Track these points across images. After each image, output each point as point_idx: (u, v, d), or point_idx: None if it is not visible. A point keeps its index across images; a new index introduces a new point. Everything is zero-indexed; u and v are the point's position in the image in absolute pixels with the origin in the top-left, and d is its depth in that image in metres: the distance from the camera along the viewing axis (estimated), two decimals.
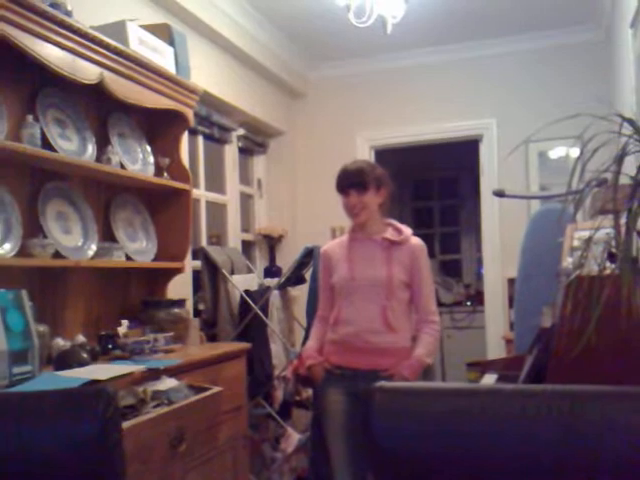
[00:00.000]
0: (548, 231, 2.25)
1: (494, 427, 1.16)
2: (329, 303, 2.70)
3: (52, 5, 2.32)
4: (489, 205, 4.84)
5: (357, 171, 2.60)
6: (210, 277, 3.75)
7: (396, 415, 1.24)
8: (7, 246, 2.28)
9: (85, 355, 2.32)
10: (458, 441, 1.18)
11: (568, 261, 1.90)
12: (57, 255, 2.47)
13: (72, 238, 2.63)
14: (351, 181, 2.58)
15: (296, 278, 4.12)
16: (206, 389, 2.41)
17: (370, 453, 1.24)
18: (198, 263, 3.77)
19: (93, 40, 2.46)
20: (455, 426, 1.19)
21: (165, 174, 3.08)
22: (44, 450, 1.37)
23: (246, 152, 4.94)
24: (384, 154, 5.16)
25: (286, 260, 4.65)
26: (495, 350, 4.65)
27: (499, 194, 3.19)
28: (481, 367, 2.53)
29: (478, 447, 1.17)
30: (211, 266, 3.74)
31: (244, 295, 3.76)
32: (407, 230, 2.68)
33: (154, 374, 2.32)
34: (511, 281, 4.20)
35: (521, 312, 2.76)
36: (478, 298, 6.32)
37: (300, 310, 4.13)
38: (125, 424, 1.80)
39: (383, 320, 2.55)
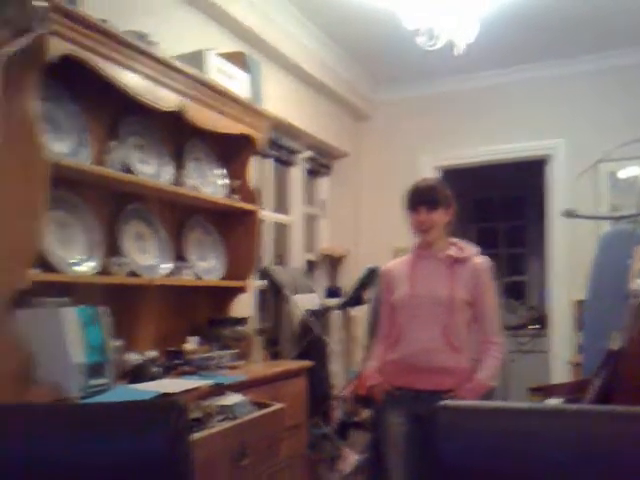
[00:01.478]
0: (618, 252, 2.20)
1: (565, 449, 1.15)
2: (390, 321, 2.65)
3: (137, 36, 2.46)
4: (556, 226, 4.77)
5: (429, 188, 2.60)
6: (273, 296, 3.84)
7: (460, 434, 1.24)
8: (91, 264, 2.42)
9: (156, 369, 2.44)
10: (526, 460, 1.17)
11: (637, 282, 1.86)
12: (132, 273, 2.59)
13: (148, 257, 2.75)
14: (422, 198, 2.56)
15: (356, 299, 4.16)
16: (268, 405, 2.48)
17: (432, 474, 1.25)
18: (261, 282, 3.87)
19: (174, 69, 2.58)
20: (523, 445, 1.18)
21: (235, 196, 3.19)
22: (117, 459, 1.46)
23: (311, 173, 5.03)
24: (447, 173, 5.13)
25: (347, 280, 4.70)
26: (559, 375, 4.53)
27: (569, 214, 3.11)
28: (545, 391, 2.48)
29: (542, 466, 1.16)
30: (274, 285, 3.84)
31: (305, 315, 3.84)
32: (472, 249, 2.63)
33: (219, 389, 2.41)
34: (579, 303, 4.12)
35: (590, 334, 2.67)
36: (542, 321, 6.19)
37: (360, 330, 4.17)
38: (193, 436, 1.89)
39: (445, 339, 2.49)
